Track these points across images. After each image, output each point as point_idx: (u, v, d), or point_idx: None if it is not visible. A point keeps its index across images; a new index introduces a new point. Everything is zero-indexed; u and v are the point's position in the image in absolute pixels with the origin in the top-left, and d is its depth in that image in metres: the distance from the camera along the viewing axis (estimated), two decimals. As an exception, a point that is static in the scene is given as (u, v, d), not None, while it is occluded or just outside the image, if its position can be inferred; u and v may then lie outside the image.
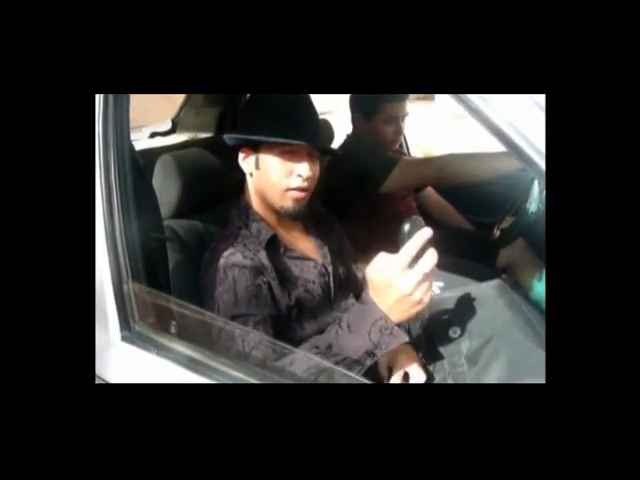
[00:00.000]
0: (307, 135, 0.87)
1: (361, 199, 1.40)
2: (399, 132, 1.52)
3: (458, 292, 0.94)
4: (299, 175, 0.87)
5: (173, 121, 1.77)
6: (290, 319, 0.87)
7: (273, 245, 0.91)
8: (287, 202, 0.89)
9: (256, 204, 0.93)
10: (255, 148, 0.89)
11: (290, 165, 0.87)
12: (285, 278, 0.89)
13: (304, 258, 0.95)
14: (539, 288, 1.33)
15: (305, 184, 0.88)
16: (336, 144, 1.55)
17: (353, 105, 1.54)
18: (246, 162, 0.92)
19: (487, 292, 0.90)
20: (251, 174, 0.91)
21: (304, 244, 0.99)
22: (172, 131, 1.78)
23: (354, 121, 1.55)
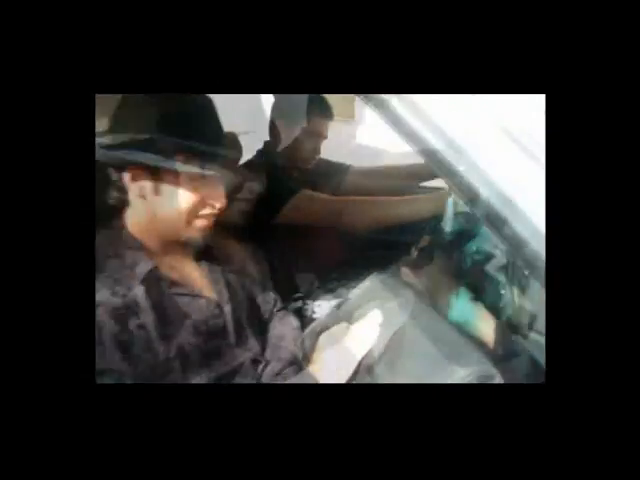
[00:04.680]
0: (224, 163, 0.77)
1: (264, 225, 1.29)
2: (317, 151, 1.46)
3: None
4: (212, 205, 0.77)
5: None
6: (172, 371, 0.70)
7: (153, 279, 0.74)
8: (194, 232, 0.78)
9: (139, 231, 0.77)
10: (154, 170, 0.72)
11: (203, 193, 0.75)
12: (167, 321, 0.72)
13: (193, 295, 0.79)
14: (457, 308, 1.32)
15: (217, 212, 0.79)
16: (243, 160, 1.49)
17: (277, 110, 1.44)
18: (137, 184, 0.74)
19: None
20: (144, 197, 0.75)
21: (195, 278, 0.84)
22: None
23: (273, 129, 1.44)
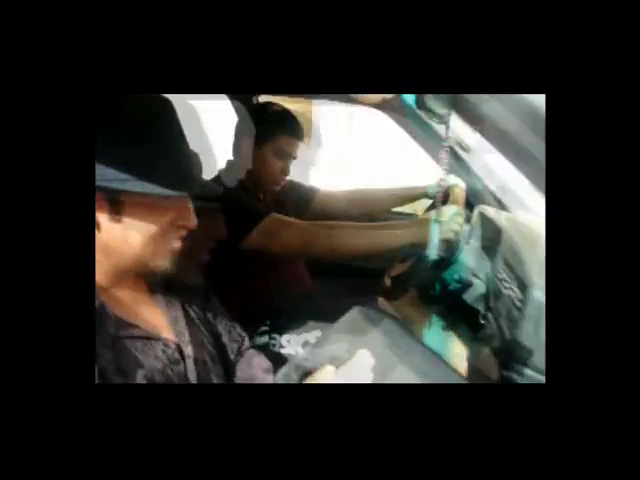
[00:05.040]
0: (193, 182, 0.68)
1: (228, 251, 1.17)
2: (286, 172, 1.39)
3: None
4: (183, 226, 0.69)
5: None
6: None
7: (99, 320, 0.62)
8: (165, 260, 0.69)
9: None
10: (113, 195, 0.62)
11: (172, 214, 0.67)
12: (116, 370, 0.61)
13: (149, 338, 0.68)
14: (430, 338, 1.27)
15: (185, 233, 0.70)
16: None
17: (243, 128, 1.37)
18: None
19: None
20: (97, 230, 0.64)
21: (150, 317, 0.72)
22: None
23: (238, 147, 1.39)
